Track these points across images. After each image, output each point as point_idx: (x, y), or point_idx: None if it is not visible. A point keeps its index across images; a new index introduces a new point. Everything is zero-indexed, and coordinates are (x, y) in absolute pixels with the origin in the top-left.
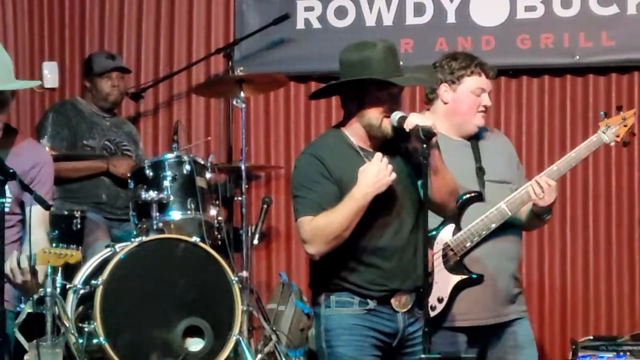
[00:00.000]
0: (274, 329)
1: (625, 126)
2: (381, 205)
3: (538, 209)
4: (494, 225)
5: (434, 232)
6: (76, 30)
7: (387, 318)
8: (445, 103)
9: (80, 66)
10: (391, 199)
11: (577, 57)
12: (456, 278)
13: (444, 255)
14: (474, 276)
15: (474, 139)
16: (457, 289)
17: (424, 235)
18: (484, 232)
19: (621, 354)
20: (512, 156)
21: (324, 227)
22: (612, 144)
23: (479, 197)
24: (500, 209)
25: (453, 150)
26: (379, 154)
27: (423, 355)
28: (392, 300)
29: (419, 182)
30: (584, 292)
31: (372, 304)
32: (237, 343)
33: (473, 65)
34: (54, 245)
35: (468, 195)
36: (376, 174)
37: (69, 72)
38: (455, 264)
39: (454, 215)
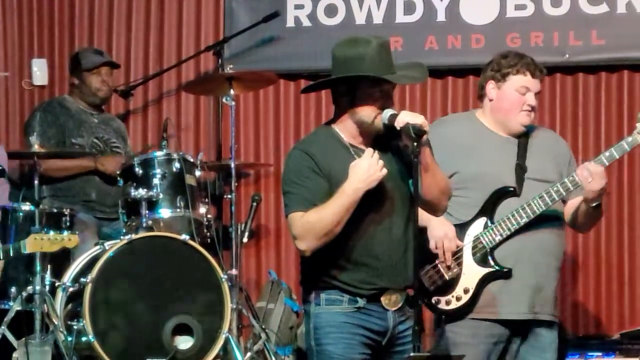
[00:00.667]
0: (263, 327)
1: None
2: (372, 202)
3: (588, 195)
4: (524, 221)
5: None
6: (65, 28)
7: (377, 316)
8: (491, 100)
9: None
10: (382, 197)
11: (567, 55)
12: (484, 270)
13: (474, 247)
14: (503, 269)
15: (524, 136)
16: (485, 281)
17: (414, 233)
18: (513, 227)
19: (610, 352)
20: (563, 156)
21: (315, 222)
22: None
23: (513, 192)
24: (532, 205)
25: (496, 146)
26: (370, 150)
27: (412, 354)
28: (382, 299)
29: (410, 181)
30: (573, 291)
31: (361, 302)
32: (227, 341)
33: (520, 64)
34: (44, 231)
35: (502, 190)
36: (367, 169)
37: (58, 69)
38: (484, 257)
39: (444, 213)
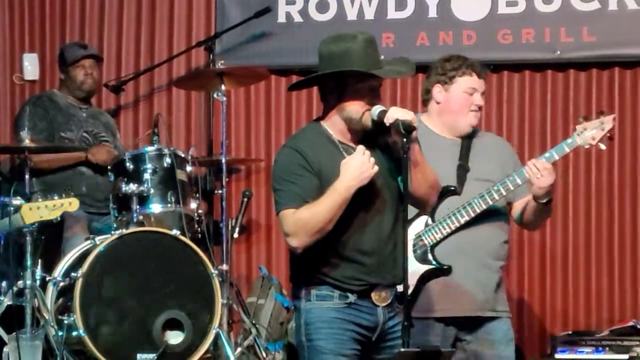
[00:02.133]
0: (254, 322)
1: (602, 130)
2: (362, 199)
3: (537, 191)
4: (464, 219)
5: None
6: (56, 22)
7: (367, 312)
8: (438, 103)
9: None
10: (372, 194)
11: (558, 52)
12: (424, 267)
13: (414, 245)
14: (443, 267)
15: (467, 139)
16: (425, 278)
17: (404, 230)
18: (454, 225)
19: (600, 348)
20: (509, 158)
21: (307, 220)
22: (587, 146)
23: (453, 191)
24: (472, 204)
25: (441, 148)
26: (361, 147)
27: (402, 349)
28: (372, 295)
29: (399, 178)
30: (563, 287)
31: (352, 297)
32: (217, 336)
33: (465, 66)
34: (40, 200)
35: (443, 190)
36: (359, 166)
37: (49, 64)
38: (424, 254)
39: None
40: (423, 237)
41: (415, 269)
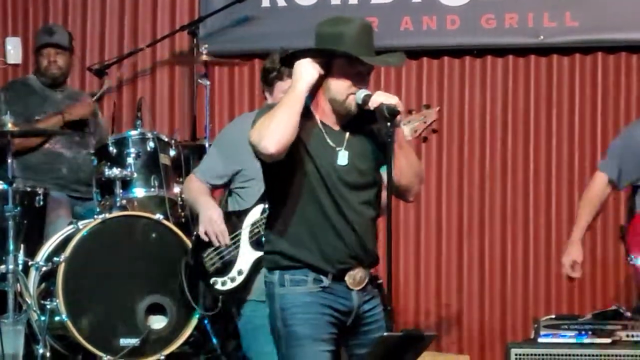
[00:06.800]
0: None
1: (424, 122)
2: (338, 182)
3: None
4: None
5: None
6: (40, 6)
7: (342, 295)
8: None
9: None
10: (349, 178)
11: (542, 37)
12: (257, 254)
13: (251, 232)
14: None
15: None
16: (259, 264)
17: (388, 217)
18: None
19: (583, 333)
20: None
21: (266, 119)
22: (410, 138)
23: None
24: None
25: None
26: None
27: (385, 334)
28: (346, 278)
29: (383, 167)
30: (546, 271)
31: (326, 281)
32: (200, 320)
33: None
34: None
35: None
36: (300, 70)
37: (32, 48)
38: (259, 241)
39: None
40: (258, 226)
41: (250, 254)
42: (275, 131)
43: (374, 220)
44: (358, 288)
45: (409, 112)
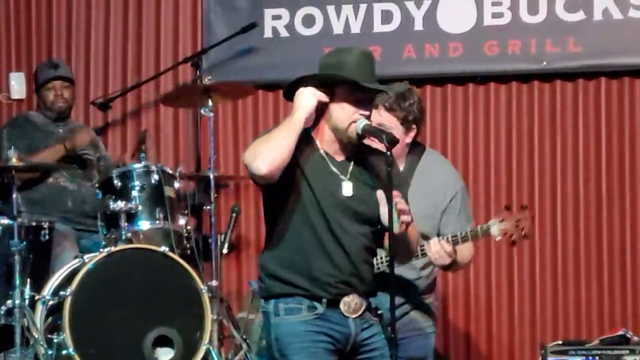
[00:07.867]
0: (245, 337)
1: (516, 227)
2: (338, 209)
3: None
4: None
5: None
6: (43, 41)
7: (337, 322)
8: None
9: None
10: (355, 207)
11: (545, 63)
12: None
13: None
14: None
15: None
16: None
17: (391, 241)
18: None
19: (590, 358)
20: None
21: (262, 141)
22: (498, 239)
23: None
24: None
25: None
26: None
27: None
28: (341, 305)
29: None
30: (553, 296)
31: (320, 308)
32: (208, 352)
33: None
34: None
35: None
36: (300, 98)
37: (34, 84)
38: None
39: None
40: None
41: None
42: (269, 152)
43: (371, 251)
44: (354, 316)
45: (506, 207)
